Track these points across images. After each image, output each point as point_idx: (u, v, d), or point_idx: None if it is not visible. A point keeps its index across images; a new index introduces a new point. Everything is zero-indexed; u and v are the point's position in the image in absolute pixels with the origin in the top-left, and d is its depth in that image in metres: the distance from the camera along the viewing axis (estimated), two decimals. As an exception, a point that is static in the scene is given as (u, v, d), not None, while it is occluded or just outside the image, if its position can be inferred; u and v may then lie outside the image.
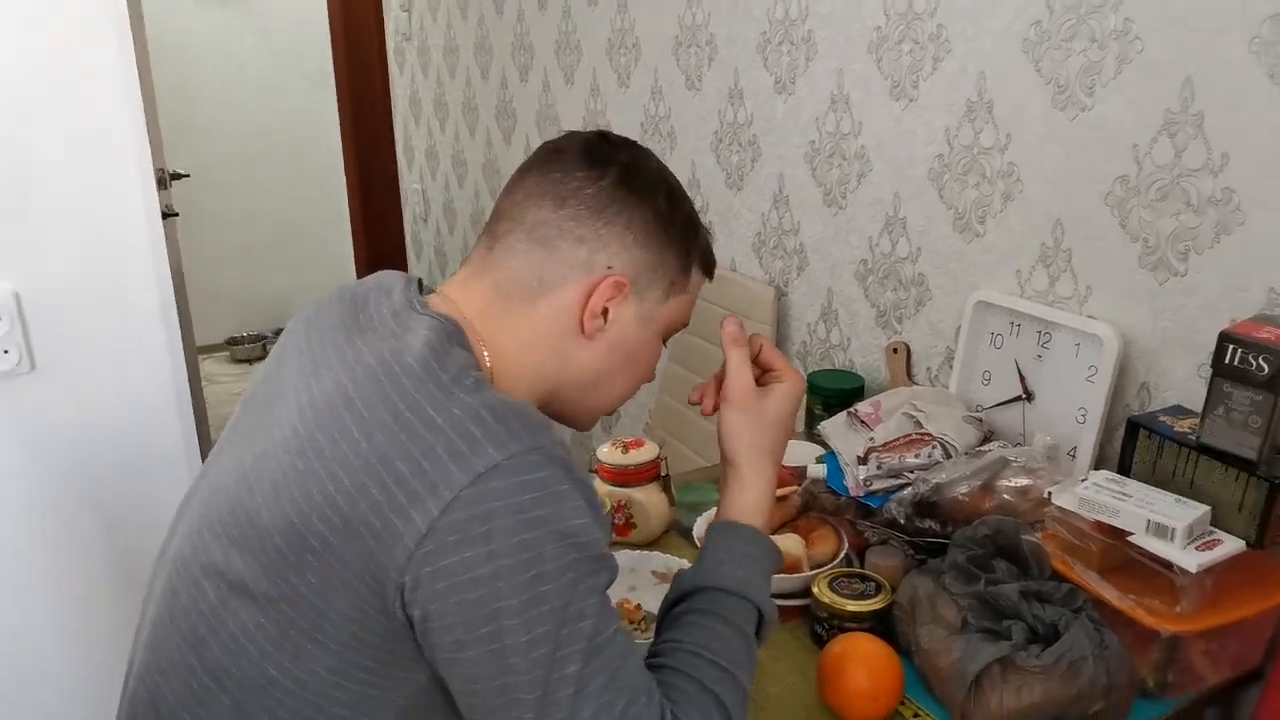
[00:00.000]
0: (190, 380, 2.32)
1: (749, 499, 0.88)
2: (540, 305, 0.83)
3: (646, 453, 1.27)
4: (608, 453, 1.27)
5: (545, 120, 2.42)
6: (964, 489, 1.10)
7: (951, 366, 1.36)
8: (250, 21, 4.11)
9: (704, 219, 1.87)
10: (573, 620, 0.68)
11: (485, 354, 0.82)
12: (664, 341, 0.92)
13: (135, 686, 0.80)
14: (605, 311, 0.84)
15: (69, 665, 1.35)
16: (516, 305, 0.83)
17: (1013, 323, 1.27)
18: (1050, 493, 1.02)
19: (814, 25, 1.54)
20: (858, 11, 1.45)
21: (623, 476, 1.25)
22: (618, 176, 0.83)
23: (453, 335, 0.79)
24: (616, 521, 1.25)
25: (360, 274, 3.97)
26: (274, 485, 0.72)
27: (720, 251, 1.85)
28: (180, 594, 0.77)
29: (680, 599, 0.83)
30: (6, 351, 1.22)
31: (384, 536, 0.66)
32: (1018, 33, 1.21)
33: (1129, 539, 0.95)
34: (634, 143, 0.89)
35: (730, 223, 1.83)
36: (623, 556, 1.17)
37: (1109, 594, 0.94)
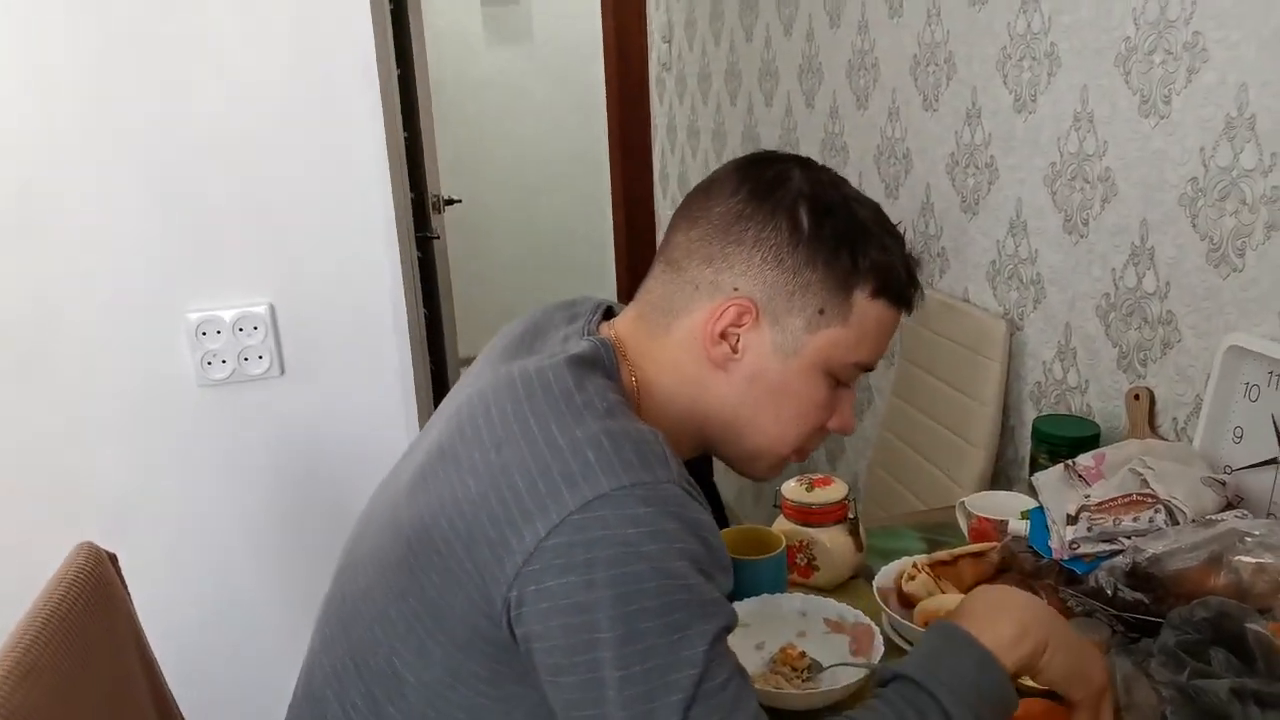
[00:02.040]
0: (446, 386, 2.51)
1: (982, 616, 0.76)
2: (673, 331, 0.81)
3: (833, 492, 1.21)
4: (792, 489, 1.23)
5: (786, 145, 2.39)
6: (1185, 562, 0.95)
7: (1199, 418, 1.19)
8: (534, 58, 4.40)
9: (938, 245, 1.77)
10: (678, 666, 0.66)
11: (634, 379, 0.82)
12: (840, 382, 0.83)
13: (306, 660, 0.88)
14: (737, 340, 0.79)
15: (289, 635, 1.49)
16: (656, 331, 0.82)
17: (1271, 373, 1.08)
18: (1287, 577, 0.86)
19: (1057, 37, 1.41)
20: (1105, 21, 1.31)
21: (805, 515, 1.20)
22: (750, 191, 0.78)
23: (600, 359, 0.79)
24: (798, 562, 1.20)
25: (620, 291, 4.14)
26: (413, 484, 0.76)
27: (952, 280, 1.74)
28: (342, 578, 0.84)
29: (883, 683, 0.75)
30: (261, 357, 1.39)
31: (498, 548, 0.68)
32: (1287, 36, 1.04)
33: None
34: (799, 158, 0.82)
35: (964, 249, 1.71)
36: (796, 599, 1.12)
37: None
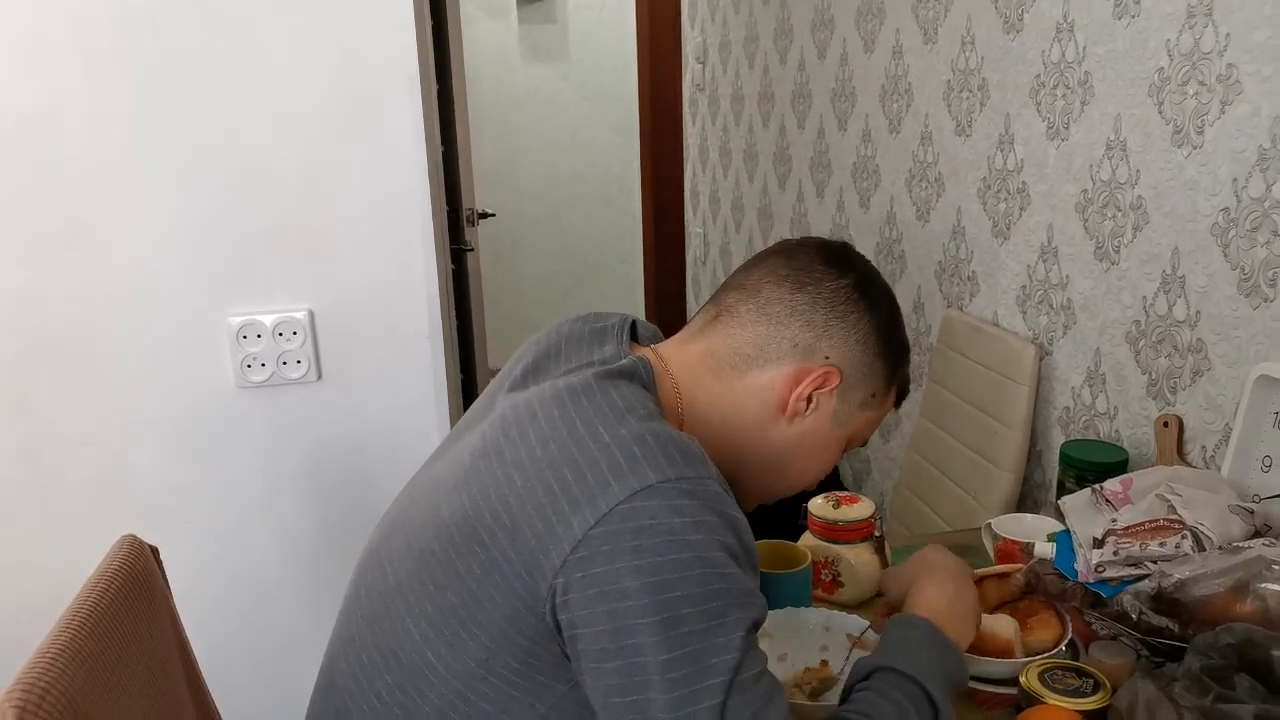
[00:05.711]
0: (475, 395, 2.54)
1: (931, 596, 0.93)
2: (750, 376, 0.87)
3: (859, 510, 1.22)
4: (819, 505, 1.24)
5: (818, 167, 2.41)
6: (1211, 588, 0.95)
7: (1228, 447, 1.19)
8: (570, 77, 4.45)
9: (968, 269, 1.78)
10: (717, 651, 0.69)
11: (680, 404, 0.87)
12: (843, 452, 0.95)
13: (326, 655, 0.90)
14: (810, 399, 0.87)
15: (318, 632, 1.51)
16: (727, 371, 0.88)
17: (1302, 402, 1.09)
18: (1313, 605, 0.86)
19: (1091, 67, 1.42)
20: (1139, 51, 1.32)
21: (831, 532, 1.21)
22: (856, 281, 0.89)
23: (639, 375, 0.83)
24: (823, 578, 1.21)
25: (648, 304, 4.17)
26: (455, 481, 0.79)
27: (982, 303, 1.75)
28: (366, 576, 0.86)
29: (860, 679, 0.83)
30: (299, 362, 1.42)
31: (545, 538, 0.71)
32: (1322, 69, 1.05)
33: None
34: (867, 260, 0.94)
35: (995, 274, 1.72)
36: (820, 614, 1.13)
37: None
